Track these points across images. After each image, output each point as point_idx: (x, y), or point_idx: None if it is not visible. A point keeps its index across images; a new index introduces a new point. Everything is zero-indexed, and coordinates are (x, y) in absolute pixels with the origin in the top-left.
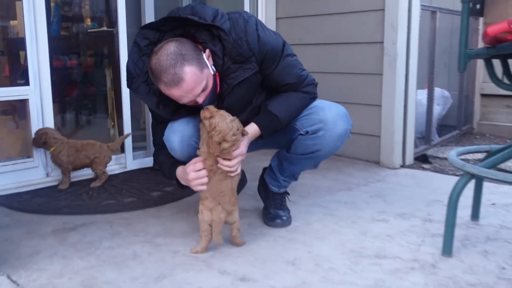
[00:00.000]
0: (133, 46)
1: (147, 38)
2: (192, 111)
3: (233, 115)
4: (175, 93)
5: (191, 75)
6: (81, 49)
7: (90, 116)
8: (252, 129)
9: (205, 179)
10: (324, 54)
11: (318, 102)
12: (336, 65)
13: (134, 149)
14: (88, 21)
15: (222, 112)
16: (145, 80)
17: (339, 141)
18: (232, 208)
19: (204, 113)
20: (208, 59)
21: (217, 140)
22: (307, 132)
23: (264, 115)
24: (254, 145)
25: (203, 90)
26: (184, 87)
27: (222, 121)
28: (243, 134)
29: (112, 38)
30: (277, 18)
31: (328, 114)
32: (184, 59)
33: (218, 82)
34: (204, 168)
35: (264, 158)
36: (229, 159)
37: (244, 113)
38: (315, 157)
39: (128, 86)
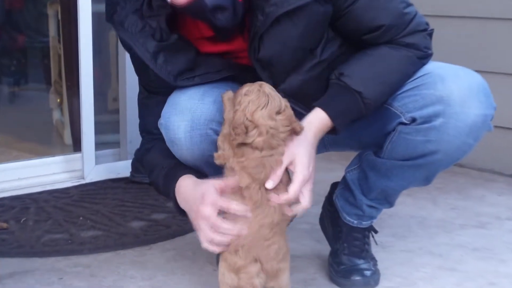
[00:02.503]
0: None
1: None
2: (217, 68)
3: (277, 75)
4: None
5: None
6: None
7: (17, 87)
8: (317, 120)
9: (240, 229)
10: None
11: (433, 66)
12: (461, 3)
13: (99, 145)
14: None
15: (262, 82)
16: (137, 9)
17: (471, 136)
18: (280, 266)
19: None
20: None
21: (240, 119)
22: (413, 120)
23: (337, 93)
24: (318, 145)
25: None
26: None
27: (256, 90)
28: (295, 130)
29: None
30: None
31: (453, 88)
32: None
33: None
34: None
35: (331, 167)
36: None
37: (299, 72)
38: (428, 164)
39: (108, 18)
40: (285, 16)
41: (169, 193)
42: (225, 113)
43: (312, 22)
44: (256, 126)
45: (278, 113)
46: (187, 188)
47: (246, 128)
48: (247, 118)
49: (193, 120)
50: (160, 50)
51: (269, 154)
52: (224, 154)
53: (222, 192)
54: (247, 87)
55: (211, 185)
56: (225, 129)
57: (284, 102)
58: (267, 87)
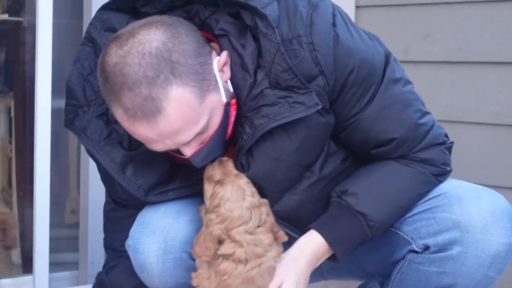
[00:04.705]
0: (84, 45)
1: (113, 29)
2: (194, 180)
3: (270, 194)
4: (141, 131)
5: (180, 106)
6: None
7: None
8: (312, 245)
9: None
10: (458, 83)
11: (449, 186)
12: (483, 107)
13: (53, 266)
14: None
15: (244, 182)
16: (102, 113)
17: (493, 268)
18: None
19: (211, 170)
20: (222, 68)
21: (217, 232)
22: (426, 248)
23: (338, 214)
24: (314, 271)
25: (198, 134)
26: (162, 126)
27: (236, 200)
28: (277, 238)
29: (17, 36)
30: (357, 7)
31: (472, 211)
32: (173, 72)
33: (232, 119)
34: None
35: None
36: None
37: (294, 192)
38: None
39: (68, 123)
40: (280, 129)
41: None
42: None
43: (311, 135)
44: (233, 241)
45: (258, 226)
46: None
47: (220, 241)
48: (223, 232)
49: (166, 242)
50: (128, 160)
51: (257, 264)
52: (200, 274)
53: None
54: (229, 194)
55: None
56: (200, 240)
57: (265, 210)
58: (249, 197)
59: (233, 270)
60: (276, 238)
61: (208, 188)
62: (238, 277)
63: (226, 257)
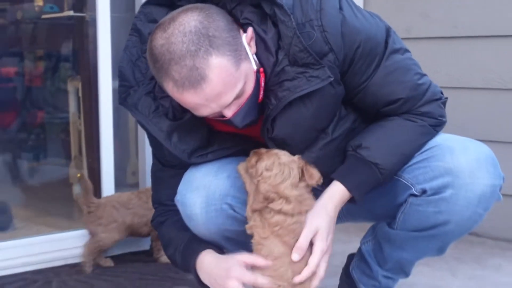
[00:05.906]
0: (131, 35)
1: (155, 20)
2: (229, 144)
3: (290, 153)
4: (189, 99)
5: (220, 73)
6: (26, 48)
7: (36, 162)
8: (337, 193)
9: None
10: (454, 55)
11: (442, 138)
12: (475, 75)
13: None
14: (41, 1)
15: (276, 151)
16: (150, 91)
17: (481, 206)
18: None
19: (250, 160)
20: (249, 42)
21: (264, 191)
22: (424, 192)
23: (355, 165)
24: None
25: (236, 97)
26: (207, 91)
27: (273, 161)
28: (309, 183)
29: (81, 29)
30: None
31: (461, 159)
32: (211, 45)
33: (263, 85)
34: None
35: (348, 239)
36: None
37: (312, 150)
38: (440, 235)
39: (121, 101)
40: (298, 99)
41: (189, 268)
42: (246, 186)
43: (324, 104)
44: (282, 197)
45: (298, 179)
46: (211, 264)
47: (268, 199)
48: (273, 192)
49: (208, 196)
50: (173, 129)
51: (301, 219)
52: (254, 225)
53: (248, 267)
54: (266, 161)
55: (235, 260)
56: (251, 201)
57: (301, 164)
58: (284, 157)
59: (283, 222)
60: (307, 184)
61: (251, 172)
62: (287, 228)
63: (276, 211)
